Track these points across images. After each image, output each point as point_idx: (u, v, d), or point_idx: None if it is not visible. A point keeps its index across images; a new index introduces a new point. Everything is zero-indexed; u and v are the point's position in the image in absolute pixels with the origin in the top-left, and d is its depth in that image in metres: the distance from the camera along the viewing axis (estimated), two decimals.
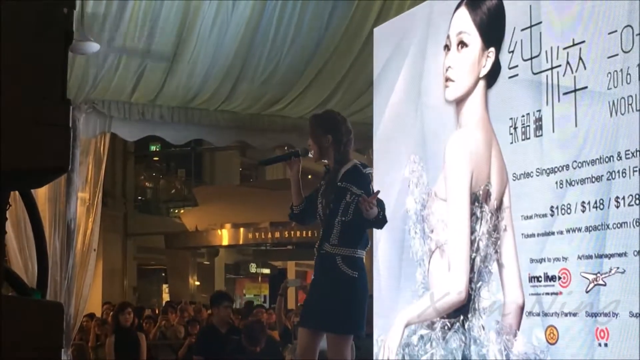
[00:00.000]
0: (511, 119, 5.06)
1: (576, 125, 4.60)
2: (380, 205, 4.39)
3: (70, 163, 1.51)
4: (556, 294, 4.66)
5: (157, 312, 14.56)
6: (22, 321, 1.53)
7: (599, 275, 4.38)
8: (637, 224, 4.17)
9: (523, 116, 4.97)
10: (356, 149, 5.69)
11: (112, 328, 9.75)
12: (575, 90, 4.61)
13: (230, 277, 24.94)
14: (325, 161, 4.67)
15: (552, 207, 4.72)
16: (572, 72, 4.63)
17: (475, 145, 5.34)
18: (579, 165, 4.55)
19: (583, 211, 4.51)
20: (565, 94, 4.68)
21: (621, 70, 4.30)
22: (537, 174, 4.85)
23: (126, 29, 7.33)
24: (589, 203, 4.47)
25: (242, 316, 11.42)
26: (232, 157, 23.59)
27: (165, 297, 21.96)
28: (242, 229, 19.23)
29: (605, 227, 4.36)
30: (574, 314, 4.52)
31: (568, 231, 4.61)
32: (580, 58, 4.59)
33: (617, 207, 4.29)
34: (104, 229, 11.37)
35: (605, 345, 4.31)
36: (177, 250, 21.27)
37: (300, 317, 5.15)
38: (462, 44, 5.47)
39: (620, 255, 4.26)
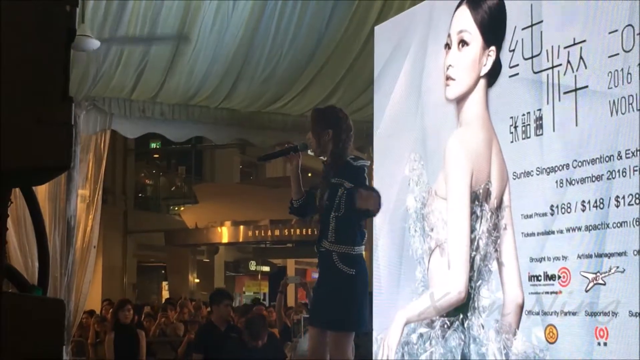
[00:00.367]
0: (512, 117, 5.06)
1: (577, 125, 4.60)
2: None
3: (72, 161, 1.51)
4: (556, 293, 4.66)
5: (156, 309, 14.56)
6: (23, 318, 1.53)
7: (598, 274, 4.38)
8: (637, 223, 4.17)
9: (523, 115, 4.97)
10: (357, 147, 5.70)
11: (111, 325, 9.75)
12: (575, 90, 4.61)
13: (229, 275, 24.95)
14: (323, 158, 4.68)
15: (552, 206, 4.72)
16: (573, 71, 4.63)
17: (475, 144, 5.34)
18: (579, 164, 4.55)
19: (583, 210, 4.51)
20: (565, 93, 4.68)
21: (622, 69, 4.30)
22: (537, 172, 4.85)
23: (127, 25, 7.33)
24: (589, 202, 4.48)
25: (241, 314, 11.42)
26: (232, 155, 23.60)
27: (165, 294, 21.96)
28: (242, 227, 19.24)
29: (605, 226, 4.36)
30: (574, 313, 4.52)
31: (568, 230, 4.61)
32: (581, 57, 4.59)
33: (617, 206, 4.29)
34: (104, 226, 11.37)
35: (605, 344, 4.31)
36: (176, 248, 21.28)
37: (309, 315, 5.19)
38: (463, 42, 5.47)
39: (620, 254, 4.26)
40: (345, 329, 4.50)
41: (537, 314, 4.79)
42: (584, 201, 4.51)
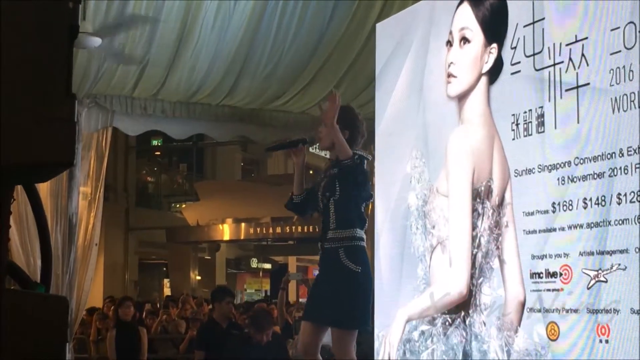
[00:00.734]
0: (513, 115, 5.06)
1: (578, 122, 4.59)
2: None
3: (74, 157, 1.51)
4: (557, 290, 4.66)
5: (157, 306, 14.57)
6: (25, 316, 1.53)
7: (600, 271, 4.38)
8: (639, 220, 4.17)
9: (525, 112, 4.97)
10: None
11: (113, 322, 9.77)
12: (577, 87, 4.61)
13: (231, 272, 24.98)
14: (327, 155, 4.69)
15: (553, 203, 4.72)
16: (575, 69, 4.63)
17: (477, 141, 5.34)
18: (581, 161, 4.55)
19: (585, 208, 4.51)
20: (567, 90, 4.68)
21: (624, 67, 4.30)
22: (539, 170, 4.85)
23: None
24: (590, 199, 4.47)
25: (243, 311, 11.43)
26: (234, 152, 23.62)
27: (167, 291, 21.99)
28: (243, 224, 19.26)
29: (607, 223, 4.36)
30: (575, 311, 4.52)
31: (570, 227, 4.61)
32: (582, 54, 4.58)
33: (619, 203, 4.29)
34: (105, 223, 11.38)
35: (606, 341, 4.31)
36: (178, 245, 21.30)
37: (304, 310, 5.15)
38: (464, 39, 5.46)
39: (621, 252, 4.26)
40: (348, 326, 4.50)
41: (539, 311, 4.79)
42: (585, 198, 4.51)
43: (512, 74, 5.11)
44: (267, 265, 25.12)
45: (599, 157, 4.43)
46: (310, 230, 16.90)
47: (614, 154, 4.34)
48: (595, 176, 4.45)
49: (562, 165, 4.68)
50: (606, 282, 4.34)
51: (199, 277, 22.45)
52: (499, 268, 5.09)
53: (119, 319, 9.40)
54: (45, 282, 1.84)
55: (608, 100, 4.39)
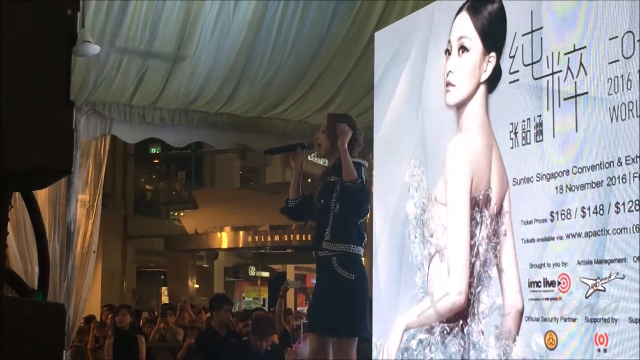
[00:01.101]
0: (512, 123, 5.06)
1: (576, 131, 4.60)
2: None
3: (73, 164, 1.51)
4: (556, 299, 4.66)
5: (155, 314, 14.55)
6: (23, 322, 1.52)
7: (598, 280, 4.38)
8: (637, 229, 4.17)
9: (523, 121, 4.97)
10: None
11: (111, 330, 9.76)
12: (575, 96, 4.62)
13: (229, 280, 24.95)
14: (324, 163, 4.70)
15: (552, 212, 4.72)
16: (573, 78, 4.64)
17: (475, 150, 5.35)
18: (579, 170, 4.55)
19: (583, 216, 4.51)
20: (565, 99, 4.69)
21: (622, 76, 4.31)
22: (537, 179, 4.85)
23: (127, 31, 7.34)
24: (589, 208, 4.48)
25: (241, 319, 11.41)
26: (232, 160, 23.63)
27: (165, 299, 21.96)
28: (241, 232, 19.24)
29: (605, 232, 4.36)
30: (574, 320, 4.52)
31: (568, 236, 4.61)
32: (581, 63, 4.59)
33: (617, 212, 4.29)
34: (103, 231, 11.37)
35: (605, 350, 4.31)
36: (176, 253, 21.29)
37: (308, 321, 5.17)
38: (463, 48, 5.47)
39: (619, 261, 4.26)
40: (347, 334, 4.50)
41: (537, 320, 4.78)
42: (584, 207, 4.51)
43: (511, 82, 5.12)
44: (265, 274, 25.10)
45: (597, 166, 4.43)
46: (309, 238, 16.77)
47: (612, 163, 4.34)
48: (594, 185, 4.45)
49: (560, 174, 4.68)
50: (604, 291, 4.34)
51: (197, 285, 22.43)
52: (497, 277, 5.08)
53: (117, 327, 9.38)
54: (42, 289, 1.84)
55: (606, 109, 4.39)
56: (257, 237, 18.98)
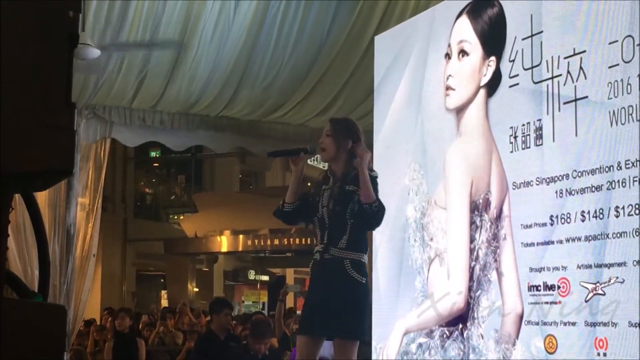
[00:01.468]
0: (511, 127, 5.07)
1: (576, 135, 4.60)
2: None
3: (74, 167, 1.51)
4: (555, 303, 4.66)
5: (155, 317, 14.54)
6: (23, 324, 1.52)
7: (598, 284, 4.38)
8: (637, 233, 4.17)
9: (523, 125, 4.98)
10: None
11: (111, 333, 9.75)
12: (575, 100, 4.62)
13: (229, 284, 24.92)
14: (323, 167, 4.70)
15: (551, 216, 4.73)
16: (573, 82, 4.64)
17: (475, 154, 5.35)
18: (579, 174, 4.56)
19: (583, 220, 4.51)
20: (565, 103, 4.69)
21: (622, 80, 4.31)
22: (537, 183, 4.85)
23: (127, 34, 7.34)
24: (588, 212, 4.48)
25: (240, 322, 11.41)
26: (232, 164, 23.60)
27: (164, 303, 21.92)
28: (241, 236, 19.22)
29: (605, 236, 4.36)
30: (573, 323, 4.52)
31: (567, 240, 4.61)
32: (581, 68, 4.60)
33: (617, 216, 4.29)
34: (103, 234, 11.37)
35: (604, 354, 4.31)
36: (176, 257, 21.26)
37: (299, 324, 5.12)
38: (463, 52, 5.48)
39: (619, 265, 4.26)
40: (355, 337, 4.49)
41: (537, 324, 4.78)
42: (583, 211, 4.51)
43: (511, 86, 5.12)
44: (265, 277, 25.07)
45: (597, 170, 4.44)
46: (308, 242, 16.85)
47: (612, 167, 4.34)
48: (594, 189, 4.45)
49: (560, 178, 4.69)
50: (604, 295, 4.34)
51: (196, 289, 22.40)
52: (497, 280, 5.08)
53: (117, 331, 9.38)
54: (42, 291, 1.84)
55: (606, 113, 4.40)
56: (256, 241, 18.96)
